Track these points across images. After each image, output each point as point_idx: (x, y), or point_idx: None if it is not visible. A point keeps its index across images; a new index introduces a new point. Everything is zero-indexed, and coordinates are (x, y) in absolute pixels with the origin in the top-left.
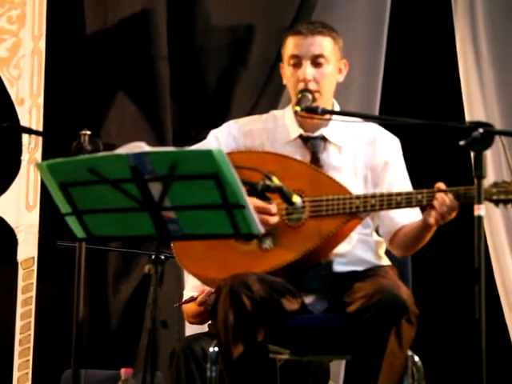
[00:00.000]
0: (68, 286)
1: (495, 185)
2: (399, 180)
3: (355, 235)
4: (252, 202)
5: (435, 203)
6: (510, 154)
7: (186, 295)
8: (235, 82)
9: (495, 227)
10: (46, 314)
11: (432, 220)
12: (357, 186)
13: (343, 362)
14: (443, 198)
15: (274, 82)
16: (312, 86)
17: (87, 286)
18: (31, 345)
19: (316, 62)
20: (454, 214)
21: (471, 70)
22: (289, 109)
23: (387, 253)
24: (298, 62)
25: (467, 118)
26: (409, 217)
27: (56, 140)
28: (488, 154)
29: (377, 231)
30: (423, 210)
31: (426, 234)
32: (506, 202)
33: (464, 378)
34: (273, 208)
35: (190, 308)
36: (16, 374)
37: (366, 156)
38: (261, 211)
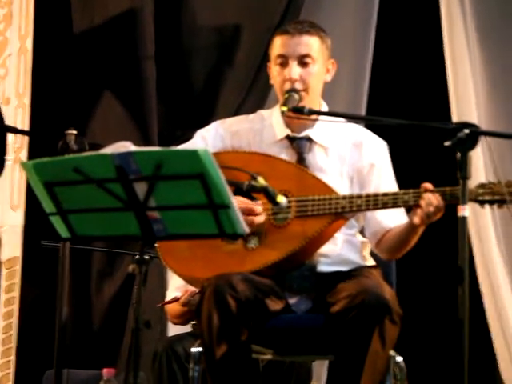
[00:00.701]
0: (51, 286)
1: (481, 185)
2: (385, 184)
3: (340, 236)
4: (238, 201)
5: (421, 202)
6: (497, 154)
7: (170, 295)
8: (222, 82)
9: (483, 228)
10: (28, 313)
11: (418, 220)
12: (342, 187)
13: (326, 362)
14: (429, 197)
15: (260, 82)
16: (298, 85)
17: (71, 285)
18: (13, 345)
19: (303, 61)
20: (439, 214)
21: (459, 71)
22: (276, 109)
23: (372, 253)
24: (284, 61)
25: (454, 118)
26: (395, 220)
27: (42, 139)
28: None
29: (361, 232)
30: (410, 212)
31: (412, 236)
32: (491, 202)
33: (446, 378)
34: (258, 208)
35: (173, 308)
36: None
37: (352, 158)
38: (246, 211)
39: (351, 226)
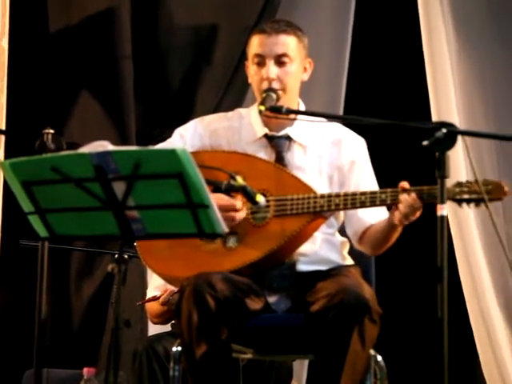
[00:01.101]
0: (30, 286)
1: (459, 184)
2: (365, 180)
3: (319, 235)
4: (218, 198)
5: (399, 205)
6: (474, 153)
7: (149, 294)
8: (199, 82)
9: (466, 227)
10: (8, 313)
11: (396, 220)
12: (321, 186)
13: (306, 362)
14: (406, 199)
15: (237, 81)
16: (276, 84)
17: (50, 285)
18: None
19: (280, 60)
20: (418, 214)
21: (438, 69)
22: (254, 107)
23: (351, 252)
24: (261, 60)
25: (434, 118)
26: (376, 216)
27: (19, 139)
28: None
29: (340, 231)
30: (390, 208)
31: (393, 233)
32: (468, 201)
33: (426, 377)
34: (238, 204)
35: (153, 308)
36: None
37: (331, 156)
38: (226, 208)
39: (330, 224)
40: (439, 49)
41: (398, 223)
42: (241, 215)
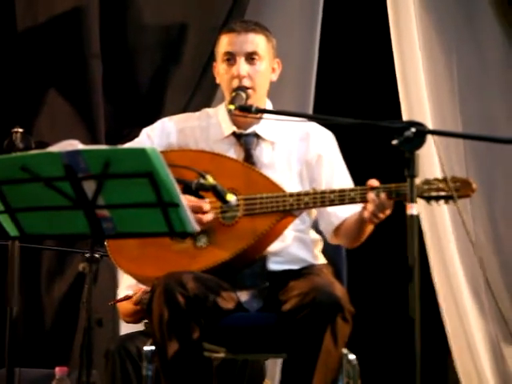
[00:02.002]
0: (1, 285)
1: (426, 182)
2: (337, 174)
3: (291, 233)
4: (185, 200)
5: (367, 204)
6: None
7: (121, 294)
8: (168, 81)
9: (439, 223)
10: None
11: (366, 218)
12: (291, 183)
13: (279, 361)
14: (373, 198)
15: (206, 81)
16: (246, 82)
17: (20, 284)
18: None
19: (250, 58)
20: (388, 212)
21: (407, 68)
22: (222, 106)
23: (323, 250)
24: (232, 58)
25: (405, 117)
26: (349, 209)
27: None
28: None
29: (315, 227)
30: None
31: (366, 227)
32: (436, 198)
33: (399, 376)
34: (206, 206)
35: (125, 307)
36: None
37: (299, 151)
38: (194, 210)
39: (303, 220)
40: (408, 46)
41: (369, 222)
42: (208, 217)
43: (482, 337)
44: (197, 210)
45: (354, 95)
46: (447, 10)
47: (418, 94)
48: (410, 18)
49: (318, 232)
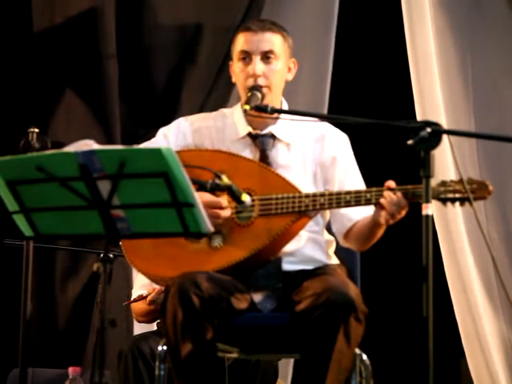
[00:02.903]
0: (16, 285)
1: (443, 184)
2: (350, 177)
3: (305, 234)
4: (203, 197)
5: (384, 203)
6: (458, 152)
7: (135, 294)
8: (184, 81)
9: (452, 225)
10: None
11: (382, 220)
12: (306, 184)
13: (291, 361)
14: (391, 197)
15: (222, 81)
16: (261, 81)
17: (35, 284)
18: None
19: (266, 57)
20: (403, 213)
21: (421, 68)
22: (237, 107)
23: (336, 251)
24: (247, 57)
25: (418, 116)
26: (361, 212)
27: (3, 138)
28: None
29: (328, 228)
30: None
31: (378, 230)
32: (453, 200)
33: (411, 377)
34: (223, 202)
35: (139, 307)
36: None
37: (314, 153)
38: (212, 205)
39: (317, 221)
40: (423, 47)
41: (383, 223)
42: (226, 213)
43: (495, 338)
44: (214, 206)
45: (368, 95)
46: (462, 9)
47: (432, 94)
48: (425, 18)
49: (331, 234)
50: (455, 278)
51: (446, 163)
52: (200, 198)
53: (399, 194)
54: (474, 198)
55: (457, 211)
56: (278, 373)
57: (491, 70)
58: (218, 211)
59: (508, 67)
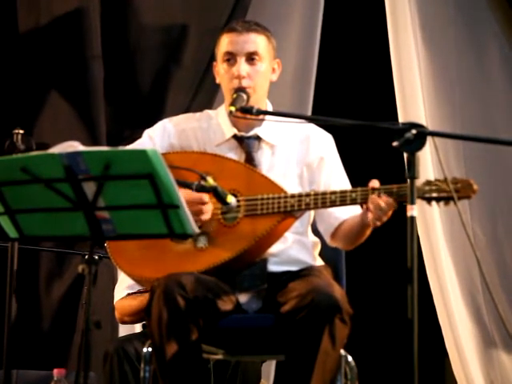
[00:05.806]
0: (0, 287)
1: (428, 183)
2: (336, 177)
3: (291, 235)
4: (185, 193)
5: (370, 207)
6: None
7: (118, 294)
8: (169, 82)
9: (431, 226)
10: None
11: (370, 222)
12: (291, 185)
13: (274, 361)
14: (377, 201)
15: (208, 82)
16: (246, 82)
17: (19, 286)
18: None
19: (250, 58)
20: (390, 213)
21: (404, 70)
22: (222, 108)
23: (321, 252)
24: (232, 58)
25: (400, 118)
26: (348, 211)
27: None
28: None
29: (313, 230)
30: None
31: (366, 230)
32: (437, 199)
33: (396, 378)
34: (205, 197)
35: (126, 305)
36: None
37: (299, 154)
38: (194, 200)
39: (302, 222)
40: (406, 49)
41: (371, 225)
42: (208, 208)
43: (472, 339)
44: (197, 202)
45: (351, 96)
46: (446, 12)
47: (415, 95)
48: (408, 20)
49: (316, 234)
50: (434, 279)
51: (425, 164)
52: (181, 194)
53: (385, 197)
54: (459, 197)
55: (435, 211)
56: (260, 373)
57: (476, 71)
58: (200, 207)
59: (493, 68)
